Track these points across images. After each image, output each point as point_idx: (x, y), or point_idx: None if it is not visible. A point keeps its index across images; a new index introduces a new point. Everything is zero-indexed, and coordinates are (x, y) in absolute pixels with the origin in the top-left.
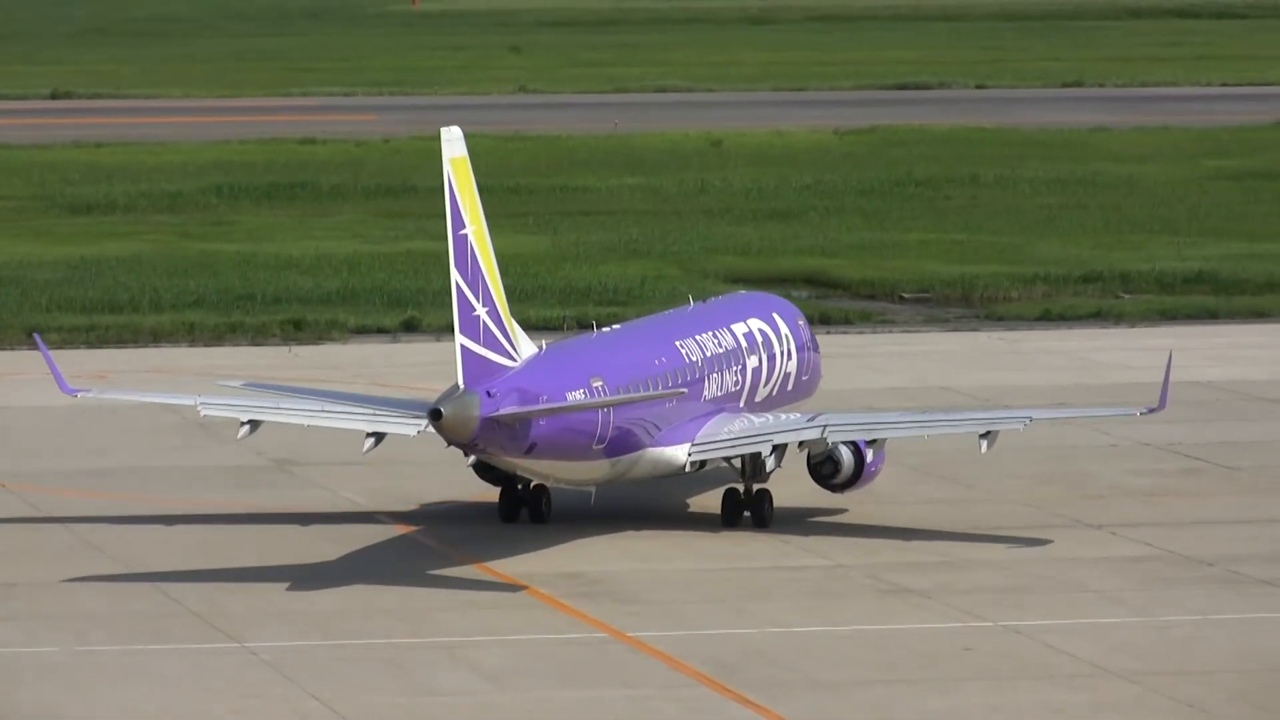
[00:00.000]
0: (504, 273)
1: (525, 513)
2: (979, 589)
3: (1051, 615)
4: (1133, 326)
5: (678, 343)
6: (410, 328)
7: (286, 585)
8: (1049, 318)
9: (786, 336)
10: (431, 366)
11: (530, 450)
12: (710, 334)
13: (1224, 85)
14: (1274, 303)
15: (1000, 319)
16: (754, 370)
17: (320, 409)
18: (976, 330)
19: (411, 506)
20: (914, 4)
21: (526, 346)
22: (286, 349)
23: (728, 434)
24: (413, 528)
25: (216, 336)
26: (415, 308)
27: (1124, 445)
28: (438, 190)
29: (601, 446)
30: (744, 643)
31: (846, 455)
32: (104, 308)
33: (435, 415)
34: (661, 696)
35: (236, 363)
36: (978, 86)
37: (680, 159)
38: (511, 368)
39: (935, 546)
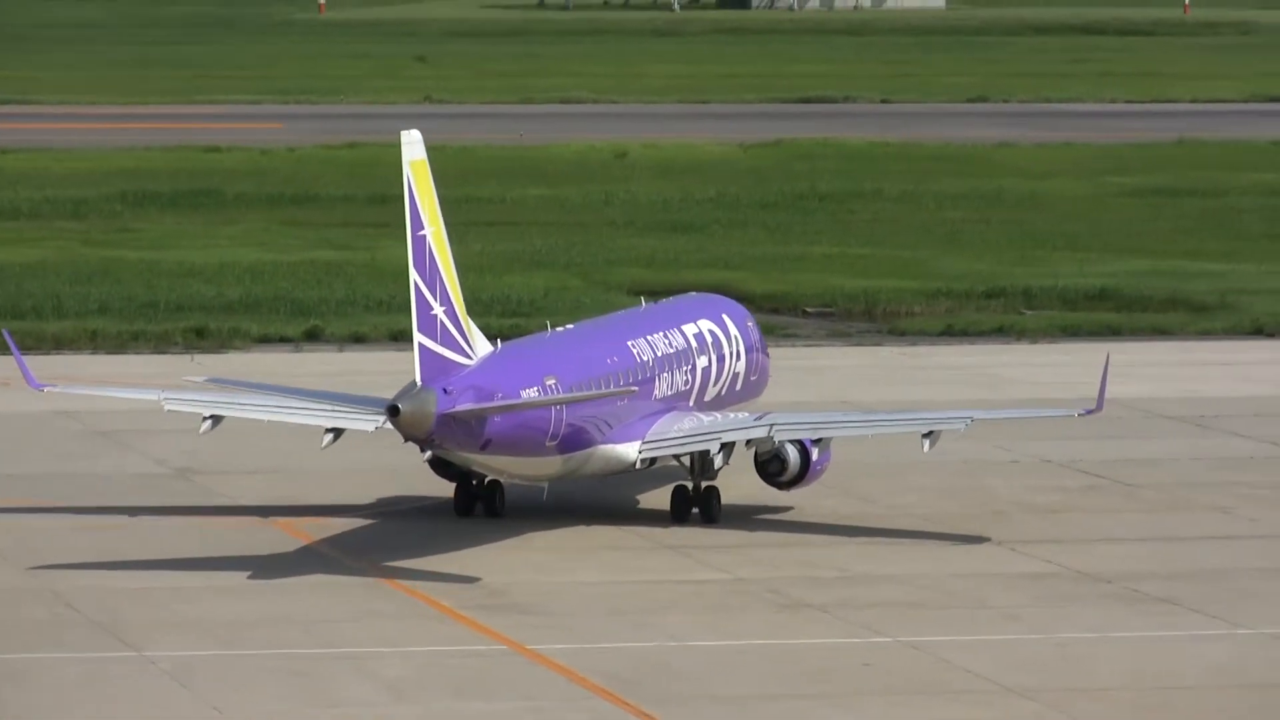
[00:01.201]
0: (405, 284)
1: (480, 508)
2: (879, 604)
3: (951, 631)
4: (1035, 342)
5: (629, 342)
6: (313, 337)
7: (186, 594)
8: (952, 333)
9: (736, 337)
10: (334, 376)
11: (486, 446)
12: (661, 334)
13: (1127, 102)
14: (1176, 320)
15: (903, 334)
16: (704, 370)
17: (280, 405)
18: (879, 345)
19: (314, 516)
20: (819, 18)
21: (483, 345)
22: (189, 357)
23: (677, 432)
24: (314, 537)
25: (119, 344)
26: (318, 317)
27: (1026, 462)
28: (341, 199)
29: (554, 443)
30: (644, 656)
31: (793, 454)
32: (6, 314)
33: (393, 411)
34: (561, 710)
35: (138, 371)
36: (883, 101)
37: (586, 170)
38: (468, 366)
39: (836, 561)
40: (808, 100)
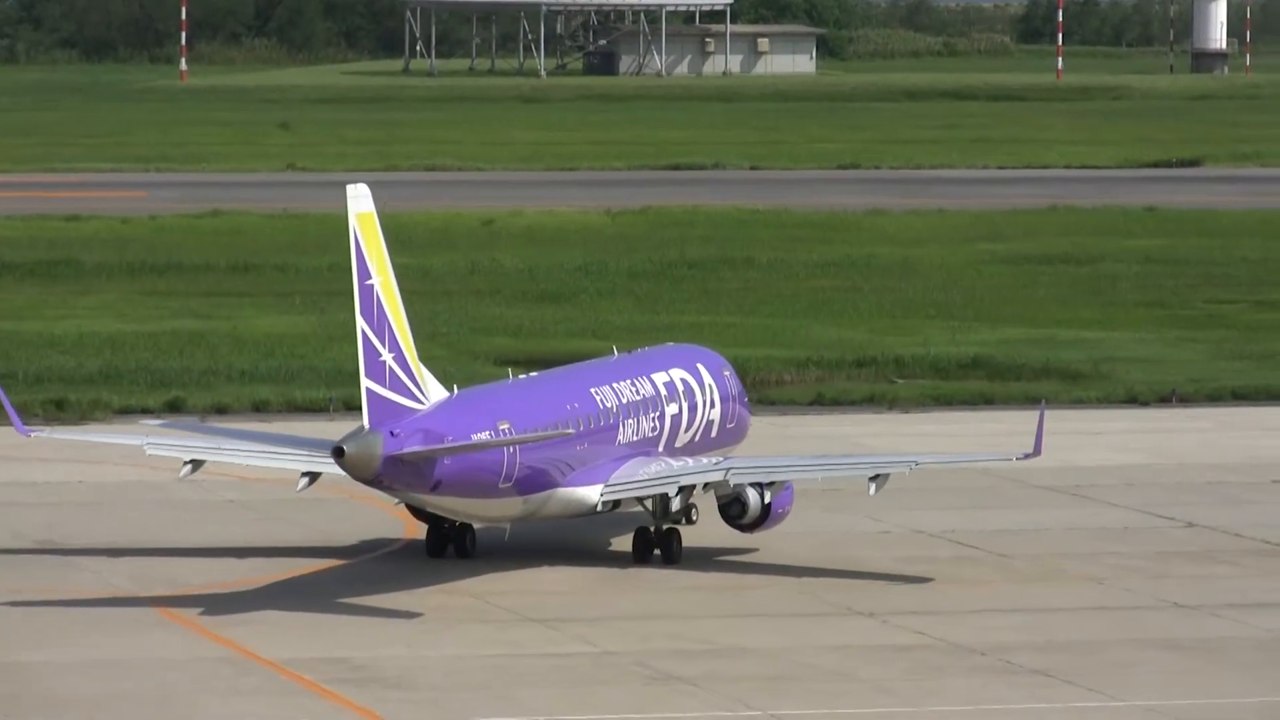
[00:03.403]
0: (269, 354)
1: (452, 548)
2: (746, 677)
3: (819, 704)
4: (906, 412)
5: (593, 389)
6: (174, 408)
7: (46, 672)
8: (822, 402)
9: (710, 386)
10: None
11: (436, 488)
12: (628, 382)
13: (1000, 168)
14: (1049, 389)
15: (772, 403)
16: (673, 417)
17: (260, 449)
18: None
19: (175, 590)
20: (687, 84)
21: (437, 391)
22: (46, 431)
23: (642, 476)
24: (176, 611)
25: None
26: (180, 388)
27: (896, 532)
28: (204, 268)
29: (509, 485)
30: None
31: (753, 497)
32: None
33: (338, 453)
34: None
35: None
36: (752, 167)
37: (451, 239)
38: (418, 410)
39: (704, 633)
40: (676, 167)
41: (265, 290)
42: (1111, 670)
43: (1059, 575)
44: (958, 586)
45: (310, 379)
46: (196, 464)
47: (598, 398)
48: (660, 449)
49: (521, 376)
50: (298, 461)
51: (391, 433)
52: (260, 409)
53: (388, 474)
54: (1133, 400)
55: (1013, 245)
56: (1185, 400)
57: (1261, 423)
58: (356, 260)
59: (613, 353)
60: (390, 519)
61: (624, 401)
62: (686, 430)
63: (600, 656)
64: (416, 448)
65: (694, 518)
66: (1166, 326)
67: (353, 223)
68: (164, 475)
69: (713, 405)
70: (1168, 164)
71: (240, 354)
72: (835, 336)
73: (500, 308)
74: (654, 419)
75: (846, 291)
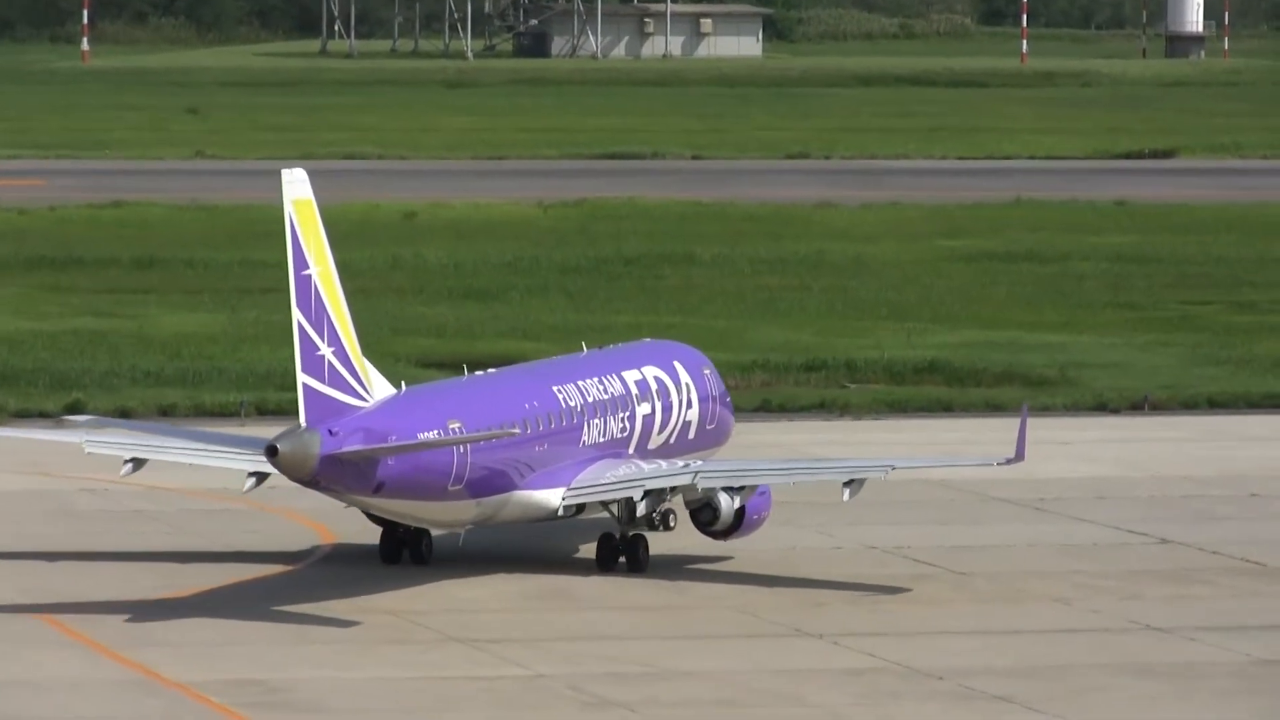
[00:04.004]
0: (175, 355)
1: (407, 554)
2: (688, 702)
3: None
4: (858, 419)
5: (555, 387)
6: (74, 411)
7: None
8: (768, 408)
9: (687, 385)
10: (103, 456)
11: (379, 490)
12: (595, 380)
13: (959, 159)
14: (1010, 395)
15: None
16: (645, 417)
17: (202, 448)
18: None
19: (74, 606)
20: (625, 67)
21: (383, 388)
22: None
23: (608, 480)
24: (73, 630)
25: None
26: (80, 390)
27: (848, 548)
28: (107, 262)
29: (459, 487)
30: None
31: (725, 503)
32: None
33: (271, 452)
34: None
35: None
36: (694, 157)
37: (370, 232)
38: (361, 408)
39: (641, 655)
40: (613, 156)
41: (172, 287)
42: (1079, 697)
43: (1022, 595)
44: (913, 606)
45: (220, 382)
46: (138, 463)
47: (560, 396)
48: (631, 451)
49: (478, 373)
50: (243, 461)
51: (330, 431)
52: (166, 413)
53: (326, 474)
54: (1102, 408)
55: (973, 241)
56: (1158, 408)
57: (1240, 432)
58: (293, 249)
59: (582, 349)
60: (305, 530)
61: (590, 400)
62: (660, 432)
63: (531, 680)
64: (356, 447)
65: (672, 524)
66: (1138, 329)
67: (289, 209)
68: (63, 484)
69: (690, 405)
70: (1140, 155)
71: (145, 355)
72: (783, 338)
73: (423, 306)
74: (623, 419)
75: (795, 290)
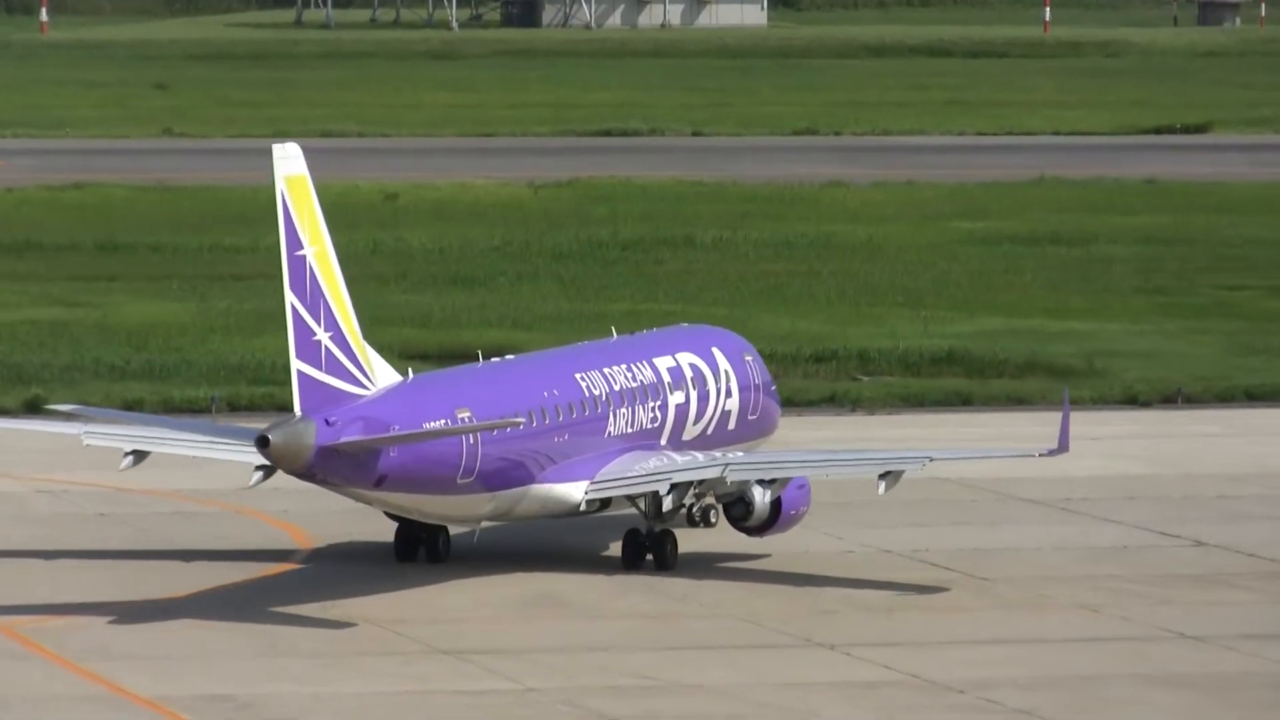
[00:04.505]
0: (141, 347)
1: (423, 552)
2: (690, 717)
3: None
4: (872, 414)
5: (578, 375)
6: (34, 408)
7: None
8: None
9: (726, 372)
10: (63, 454)
11: (381, 483)
12: (623, 367)
13: (979, 135)
14: (1034, 387)
15: None
16: (678, 407)
17: (205, 440)
18: None
19: (34, 616)
20: (621, 37)
21: (387, 375)
22: None
23: (637, 472)
24: (36, 640)
25: None
26: (40, 385)
27: (860, 551)
28: (67, 248)
29: (469, 480)
30: None
31: (759, 496)
32: None
33: (262, 442)
34: None
35: None
36: (694, 134)
37: (349, 215)
38: (363, 396)
39: (640, 667)
40: (607, 133)
41: (137, 274)
42: (1107, 711)
43: (1047, 601)
44: (931, 615)
45: (189, 376)
46: (139, 455)
47: (584, 384)
48: (663, 442)
49: (494, 360)
50: (249, 454)
51: (327, 420)
52: (131, 410)
53: (321, 466)
54: (1131, 401)
55: (993, 223)
56: (1191, 401)
57: (1279, 427)
58: (285, 228)
59: (611, 334)
60: (279, 534)
61: (616, 389)
62: (696, 422)
63: (522, 695)
64: (356, 437)
65: (713, 520)
66: (1170, 316)
67: (280, 186)
68: (21, 487)
69: (729, 394)
70: (1171, 130)
71: (109, 347)
72: (789, 327)
73: (406, 294)
74: (654, 409)
75: (802, 276)
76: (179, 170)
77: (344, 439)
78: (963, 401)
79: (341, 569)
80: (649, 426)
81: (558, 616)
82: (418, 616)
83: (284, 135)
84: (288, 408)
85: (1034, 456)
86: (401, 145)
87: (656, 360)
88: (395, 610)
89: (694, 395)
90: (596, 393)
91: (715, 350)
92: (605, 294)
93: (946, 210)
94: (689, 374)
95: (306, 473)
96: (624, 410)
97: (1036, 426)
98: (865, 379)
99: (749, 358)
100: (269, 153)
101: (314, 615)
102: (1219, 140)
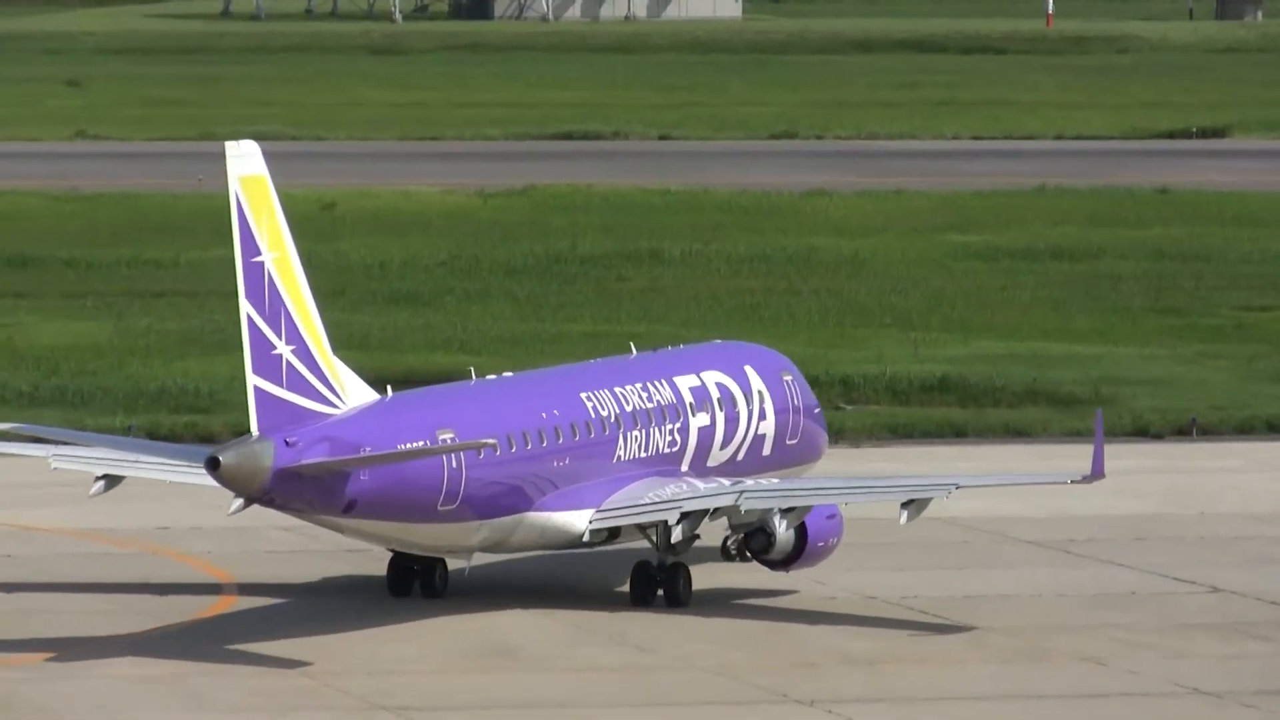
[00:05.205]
0: (53, 371)
1: (418, 586)
2: None
3: None
4: (856, 446)
5: (584, 394)
6: None
7: None
8: None
9: (760, 393)
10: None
11: (351, 509)
12: (638, 386)
13: (974, 139)
14: (1034, 417)
15: None
16: (702, 429)
17: (178, 465)
18: None
19: None
20: (581, 31)
21: (360, 392)
22: None
23: (649, 500)
24: None
25: None
26: None
27: (843, 598)
28: None
29: (452, 506)
30: None
31: (781, 528)
32: None
33: (212, 464)
34: None
35: None
36: (661, 137)
37: None
38: (331, 415)
39: None
40: (566, 136)
41: (48, 290)
42: None
43: (1048, 653)
44: (920, 667)
45: (105, 403)
46: (111, 480)
47: (590, 404)
48: (685, 467)
49: (489, 378)
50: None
51: (286, 441)
52: (40, 440)
53: (280, 490)
54: (1142, 432)
55: (989, 236)
56: (1207, 432)
57: None
58: (240, 233)
59: (631, 350)
60: (203, 576)
61: (628, 409)
62: (724, 446)
63: None
64: (319, 459)
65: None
66: (1183, 339)
67: (235, 188)
68: None
69: (762, 416)
70: (1185, 134)
71: (16, 371)
72: None
73: (343, 312)
74: (673, 431)
75: (780, 294)
76: (94, 176)
77: (306, 461)
78: (956, 433)
79: (270, 616)
80: (666, 450)
81: (507, 669)
82: (354, 668)
83: (209, 138)
84: (212, 439)
85: (1066, 484)
86: (339, 149)
87: (678, 379)
88: (330, 661)
89: (720, 417)
90: (604, 413)
91: (748, 369)
92: (563, 313)
93: (938, 222)
94: (715, 394)
95: (263, 497)
96: (636, 433)
97: (1037, 461)
98: (849, 408)
99: (788, 377)
100: (192, 156)
101: (239, 667)
102: (1238, 145)
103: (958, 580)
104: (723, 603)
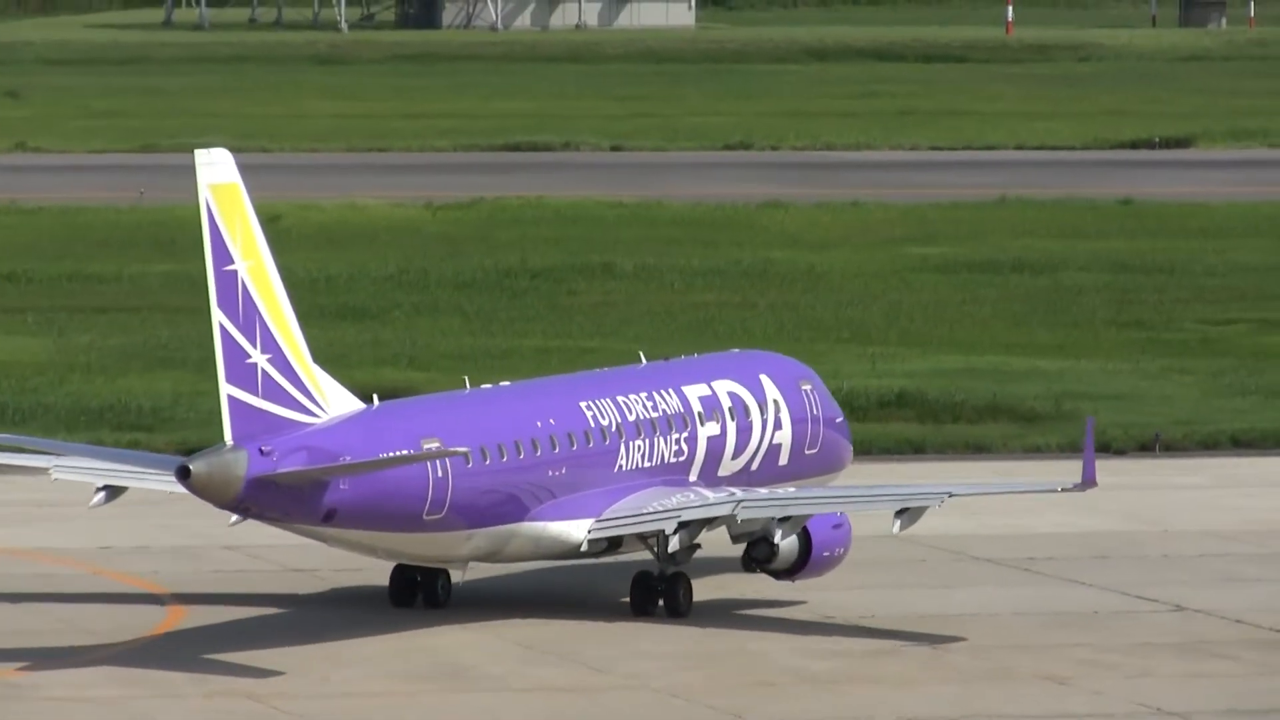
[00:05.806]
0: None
1: (421, 598)
2: None
3: None
4: None
5: (584, 403)
6: None
7: None
8: None
9: (775, 402)
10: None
11: (331, 518)
12: (642, 395)
13: (933, 149)
14: (995, 433)
15: None
16: (711, 439)
17: (156, 473)
18: None
19: None
20: (531, 40)
21: (341, 401)
22: None
23: (650, 510)
24: None
25: None
26: None
27: (799, 617)
28: None
29: (439, 516)
30: None
31: (779, 537)
32: None
33: (183, 473)
34: None
35: None
36: (613, 148)
37: None
38: (310, 424)
39: None
40: (516, 147)
41: (20, 308)
42: None
43: (1009, 673)
44: (877, 688)
45: (45, 421)
46: (113, 491)
47: (589, 413)
48: (693, 478)
49: (484, 387)
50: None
51: (260, 450)
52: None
53: (254, 500)
54: (1104, 449)
55: (949, 249)
56: (1171, 448)
57: (1268, 477)
58: (211, 242)
59: (640, 359)
60: (147, 596)
61: (630, 419)
62: (736, 456)
63: None
64: (295, 468)
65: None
66: (1147, 353)
67: (205, 196)
68: None
69: (778, 426)
70: (1149, 144)
71: None
72: None
73: None
74: (679, 440)
75: (735, 308)
76: (34, 189)
77: (281, 470)
78: (914, 449)
79: (215, 636)
80: (672, 460)
81: (455, 689)
82: (300, 690)
83: (150, 149)
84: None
85: (1057, 491)
86: (283, 160)
87: (687, 388)
88: (275, 683)
89: (732, 427)
90: (604, 422)
91: (763, 378)
92: (513, 328)
93: (897, 234)
94: (726, 403)
95: (237, 507)
96: (639, 442)
97: (996, 478)
98: None
99: (807, 386)
100: (135, 168)
101: (182, 687)
102: (1202, 155)
103: (915, 599)
104: (673, 626)
